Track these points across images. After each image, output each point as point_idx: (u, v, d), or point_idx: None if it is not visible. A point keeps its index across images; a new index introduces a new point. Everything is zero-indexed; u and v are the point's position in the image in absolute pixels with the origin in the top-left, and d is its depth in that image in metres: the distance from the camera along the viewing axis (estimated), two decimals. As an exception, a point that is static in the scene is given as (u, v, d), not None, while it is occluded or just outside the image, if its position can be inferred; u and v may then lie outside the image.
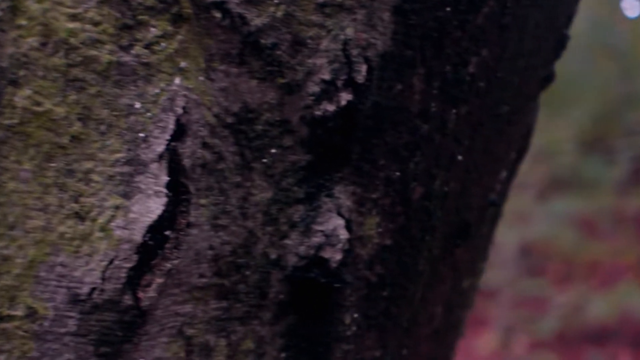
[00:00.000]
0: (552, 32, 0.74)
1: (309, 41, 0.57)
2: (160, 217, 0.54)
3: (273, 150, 0.59)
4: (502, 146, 0.74)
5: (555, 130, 7.89)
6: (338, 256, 0.62)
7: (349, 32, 0.58)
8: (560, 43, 0.77)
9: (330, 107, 0.59)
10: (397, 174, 0.64)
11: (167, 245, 0.55)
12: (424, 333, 0.77)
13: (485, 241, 0.85)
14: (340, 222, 0.62)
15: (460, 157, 0.68)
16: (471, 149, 0.69)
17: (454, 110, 0.65)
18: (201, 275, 0.58)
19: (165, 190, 0.54)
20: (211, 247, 0.58)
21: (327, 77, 0.58)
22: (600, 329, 5.85)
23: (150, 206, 0.54)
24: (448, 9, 0.61)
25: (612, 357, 5.46)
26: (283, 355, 0.64)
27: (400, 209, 0.66)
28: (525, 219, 7.19)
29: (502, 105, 0.70)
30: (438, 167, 0.67)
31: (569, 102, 8.99)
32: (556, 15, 0.73)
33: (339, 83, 0.58)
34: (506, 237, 6.87)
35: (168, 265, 0.56)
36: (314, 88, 0.58)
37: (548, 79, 0.77)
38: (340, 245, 0.62)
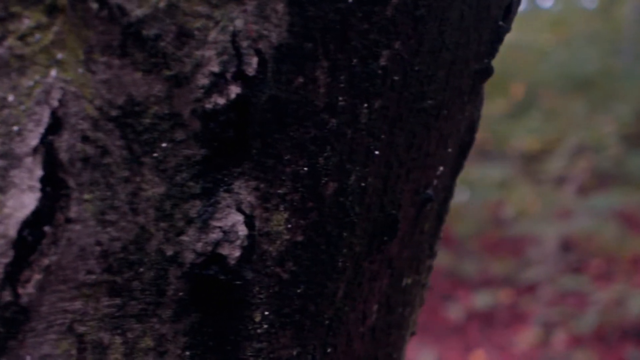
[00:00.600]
0: (484, 24, 0.72)
1: (196, 32, 0.56)
2: (35, 212, 0.53)
3: (164, 145, 0.58)
4: (433, 141, 0.72)
5: (598, 124, 7.83)
6: (236, 253, 0.61)
7: (239, 23, 0.57)
8: (496, 35, 0.75)
9: (221, 100, 0.58)
10: (306, 169, 0.63)
11: (45, 241, 0.54)
12: (357, 331, 0.75)
13: (430, 237, 0.83)
14: (240, 218, 0.61)
15: (377, 152, 0.66)
16: (392, 144, 0.68)
17: (365, 104, 0.64)
18: (89, 272, 0.57)
19: (39, 185, 0.53)
20: (99, 243, 0.57)
21: (216, 69, 0.57)
22: (641, 325, 5.79)
23: (24, 201, 0.53)
24: (350, 0, 0.60)
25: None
26: (187, 353, 0.63)
27: (312, 205, 0.65)
28: (566, 215, 7.14)
29: (426, 99, 0.68)
30: (352, 162, 0.65)
31: (613, 96, 8.92)
32: (487, 7, 0.71)
33: (229, 76, 0.57)
34: (547, 233, 6.85)
35: (46, 261, 0.55)
36: (203, 81, 0.57)
37: (484, 72, 0.75)
38: (238, 242, 0.61)
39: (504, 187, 7.49)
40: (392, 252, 0.76)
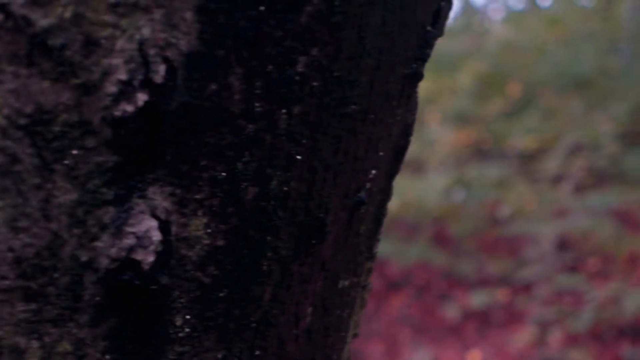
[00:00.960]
0: (411, 30, 0.73)
1: (102, 41, 0.57)
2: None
3: (75, 152, 0.58)
4: (361, 145, 0.73)
5: (595, 123, 7.83)
6: (150, 258, 0.62)
7: (146, 32, 0.58)
8: (424, 41, 0.75)
9: (130, 108, 0.58)
10: (224, 174, 0.64)
11: (-48, 248, 0.55)
12: (289, 334, 0.76)
13: (367, 240, 0.84)
14: (154, 223, 0.62)
15: (299, 157, 0.67)
16: (315, 149, 0.68)
17: (284, 110, 0.65)
18: (3, 278, 0.58)
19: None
20: (11, 250, 0.58)
21: (123, 77, 0.58)
22: (637, 324, 5.80)
23: None
24: (262, 8, 0.60)
25: (648, 353, 5.40)
26: (107, 357, 0.64)
27: (232, 210, 0.66)
28: (563, 213, 7.15)
29: (349, 104, 0.69)
30: (273, 167, 0.66)
31: (610, 95, 8.93)
32: (412, 12, 0.72)
33: (136, 83, 0.58)
34: (543, 232, 6.86)
35: (-46, 267, 0.56)
36: (111, 88, 0.58)
37: (413, 77, 0.76)
38: (152, 247, 0.62)
39: (501, 187, 7.50)
40: (325, 255, 0.77)
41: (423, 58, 0.78)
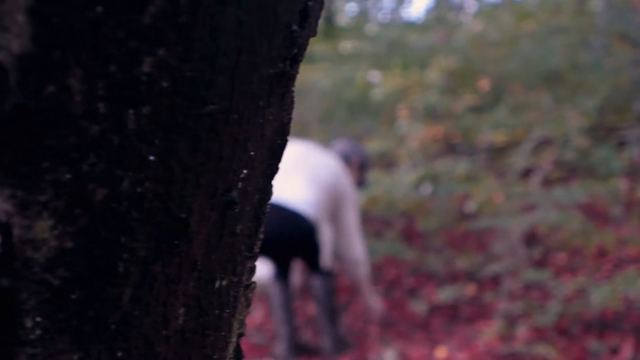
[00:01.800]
0: (273, 29, 0.73)
1: None
2: None
3: None
4: (226, 146, 0.73)
5: (564, 118, 7.86)
6: (-12, 260, 0.62)
7: (-27, 34, 0.57)
8: (290, 40, 0.75)
9: (-41, 111, 0.58)
10: (69, 176, 0.64)
11: None
12: (158, 335, 0.76)
13: (246, 239, 0.84)
14: (-7, 225, 0.61)
15: (153, 158, 0.67)
16: (171, 149, 0.68)
17: (132, 111, 0.64)
18: None
19: None
20: None
21: (-49, 80, 0.57)
22: (603, 318, 5.83)
23: None
24: (100, 9, 0.60)
25: (615, 347, 5.43)
26: (-46, 360, 0.64)
27: (80, 212, 0.65)
28: (531, 208, 7.17)
29: (207, 104, 0.69)
30: (124, 168, 0.66)
31: (581, 89, 8.96)
32: (273, 12, 0.72)
33: (-37, 86, 0.58)
34: (511, 226, 6.88)
35: None
36: (-61, 92, 0.57)
37: (280, 76, 0.76)
38: (-8, 250, 0.62)
39: (470, 181, 7.52)
40: (195, 255, 0.76)
41: (292, 57, 0.78)
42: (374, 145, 8.36)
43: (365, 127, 9.53)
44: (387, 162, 9.22)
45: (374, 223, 8.31)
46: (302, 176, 5.52)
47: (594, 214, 8.00)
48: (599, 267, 6.86)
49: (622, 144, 9.32)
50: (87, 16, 0.60)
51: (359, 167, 6.17)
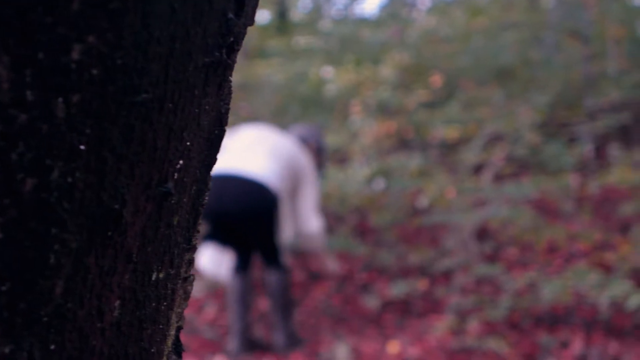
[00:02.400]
0: (208, 17, 0.72)
1: None
2: None
3: None
4: (161, 135, 0.72)
5: (516, 113, 7.91)
6: None
7: None
8: (226, 29, 0.74)
9: None
10: (-4, 166, 0.62)
11: None
12: (93, 327, 0.75)
13: (184, 231, 0.83)
14: None
15: (83, 147, 0.66)
16: (102, 138, 0.67)
17: (61, 99, 0.63)
18: None
19: None
20: None
21: None
22: (554, 312, 5.87)
23: None
24: (27, -6, 0.59)
25: (565, 341, 5.47)
26: None
27: (9, 202, 0.64)
28: (483, 203, 7.21)
29: (140, 92, 0.68)
30: (54, 158, 0.64)
31: (532, 85, 9.02)
32: (208, 0, 0.71)
33: None
34: (463, 221, 6.91)
35: None
36: None
37: (216, 65, 0.75)
38: None
39: (423, 177, 7.55)
40: (131, 247, 0.75)
41: (228, 46, 0.77)
42: (327, 141, 8.36)
43: (318, 122, 9.53)
44: (341, 158, 9.23)
45: (327, 219, 8.32)
46: (263, 151, 5.55)
47: (545, 209, 8.07)
48: (550, 261, 6.92)
49: (572, 140, 9.41)
50: (15, 2, 0.59)
51: (317, 151, 6.18)
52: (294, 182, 5.68)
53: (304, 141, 6.07)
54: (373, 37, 10.44)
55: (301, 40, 12.57)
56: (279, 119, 9.42)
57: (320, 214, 6.23)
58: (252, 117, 9.05)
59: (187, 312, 6.47)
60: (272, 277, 5.81)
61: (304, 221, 5.89)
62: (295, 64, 10.37)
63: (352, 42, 10.91)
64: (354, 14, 15.43)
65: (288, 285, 5.90)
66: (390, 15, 13.10)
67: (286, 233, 5.80)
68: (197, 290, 6.90)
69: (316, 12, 15.90)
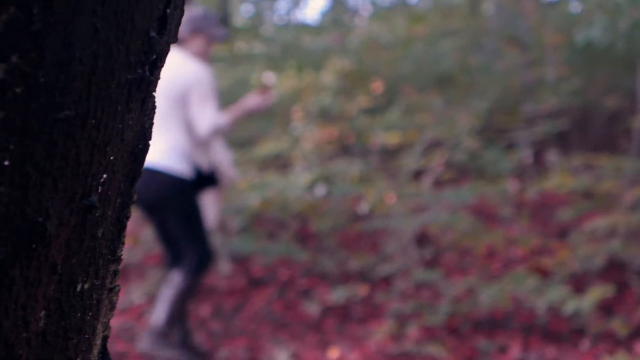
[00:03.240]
0: (130, 36, 0.74)
1: None
2: None
3: None
4: (84, 150, 0.74)
5: (455, 119, 8.00)
6: None
7: None
8: (149, 47, 0.77)
9: None
10: None
11: None
12: (18, 337, 0.77)
13: (109, 243, 0.85)
14: None
15: (7, 163, 0.67)
16: (26, 154, 0.69)
17: (-16, 117, 0.65)
18: None
19: None
20: None
21: None
22: (492, 317, 5.94)
23: None
24: (-50, 16, 0.61)
25: (503, 346, 5.54)
26: None
27: None
28: (422, 208, 7.27)
29: (63, 109, 0.70)
30: (-22, 174, 0.66)
31: (471, 92, 9.12)
32: (130, 19, 0.73)
33: None
34: (403, 227, 6.97)
35: None
36: None
37: (139, 82, 0.77)
38: None
39: (363, 182, 7.60)
40: (55, 258, 0.77)
41: (151, 63, 0.79)
42: (269, 147, 8.39)
43: (260, 128, 9.55)
44: (282, 164, 9.25)
45: (268, 224, 8.33)
46: (157, 127, 5.19)
47: (483, 214, 8.17)
48: (488, 267, 7.00)
49: (511, 146, 9.54)
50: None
51: (204, 34, 5.45)
52: (183, 107, 5.16)
53: (197, 30, 5.37)
54: (315, 43, 10.49)
55: (243, 46, 12.57)
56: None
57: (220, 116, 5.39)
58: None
59: (127, 320, 6.45)
60: (177, 277, 5.30)
61: (197, 127, 5.20)
62: (237, 70, 10.38)
63: (294, 48, 10.95)
64: (295, 19, 15.47)
65: (185, 292, 5.37)
66: (331, 21, 13.15)
67: (210, 218, 5.58)
68: (136, 297, 6.88)
69: (258, 18, 15.91)
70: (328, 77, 8.53)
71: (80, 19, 0.69)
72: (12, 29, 0.64)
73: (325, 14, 14.75)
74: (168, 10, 0.79)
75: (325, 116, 8.48)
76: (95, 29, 0.71)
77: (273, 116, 9.55)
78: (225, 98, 9.62)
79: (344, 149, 8.77)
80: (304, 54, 10.14)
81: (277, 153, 8.54)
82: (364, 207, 7.38)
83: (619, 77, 10.48)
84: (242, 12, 16.13)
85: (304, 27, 13.77)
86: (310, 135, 8.26)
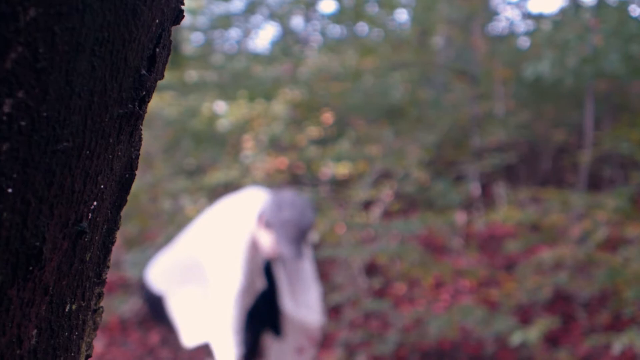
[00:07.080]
0: (123, 73, 0.80)
1: None
2: None
3: None
4: (78, 179, 0.79)
5: (405, 152, 8.08)
6: None
7: None
8: (139, 83, 0.82)
9: None
10: None
11: None
12: (13, 354, 0.81)
13: (95, 266, 0.90)
14: None
15: (10, 190, 0.72)
16: (27, 183, 0.74)
17: (-8, 147, 0.70)
18: None
19: None
20: None
21: None
22: (441, 347, 6.00)
23: None
24: (-37, 56, 0.66)
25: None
26: None
27: (-61, 239, 0.70)
28: (372, 239, 7.33)
29: (62, 141, 0.75)
30: (-17, 200, 0.71)
31: (420, 124, 9.22)
32: (123, 58, 0.79)
33: None
34: (353, 257, 7.02)
35: None
36: None
37: (129, 116, 0.83)
38: None
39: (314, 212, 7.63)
40: (47, 281, 0.82)
41: (140, 99, 0.85)
42: (219, 175, 8.41)
43: (210, 157, 9.57)
44: (232, 191, 9.27)
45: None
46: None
47: (432, 245, 8.26)
48: (437, 297, 7.07)
49: (459, 178, 9.65)
50: (-47, 61, 0.66)
51: (266, 225, 4.34)
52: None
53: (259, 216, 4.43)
54: (265, 72, 10.55)
55: (193, 74, 12.59)
56: (170, 154, 9.43)
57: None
58: (144, 153, 9.04)
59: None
60: None
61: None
62: (188, 98, 10.40)
63: (245, 77, 10.99)
64: (246, 49, 15.52)
65: None
66: (282, 51, 13.22)
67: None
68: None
69: (209, 46, 15.94)
70: (279, 106, 8.59)
71: (80, 58, 0.74)
72: (19, 67, 0.69)
73: (275, 44, 14.82)
74: (157, 50, 0.85)
75: (275, 146, 8.53)
76: (93, 67, 0.76)
77: (224, 145, 9.58)
78: (175, 127, 9.64)
79: (295, 179, 8.82)
80: (255, 84, 10.19)
81: (227, 182, 8.56)
82: (314, 237, 7.42)
83: (566, 112, 10.67)
84: (193, 40, 16.16)
85: (254, 57, 13.83)
86: (260, 165, 8.31)
